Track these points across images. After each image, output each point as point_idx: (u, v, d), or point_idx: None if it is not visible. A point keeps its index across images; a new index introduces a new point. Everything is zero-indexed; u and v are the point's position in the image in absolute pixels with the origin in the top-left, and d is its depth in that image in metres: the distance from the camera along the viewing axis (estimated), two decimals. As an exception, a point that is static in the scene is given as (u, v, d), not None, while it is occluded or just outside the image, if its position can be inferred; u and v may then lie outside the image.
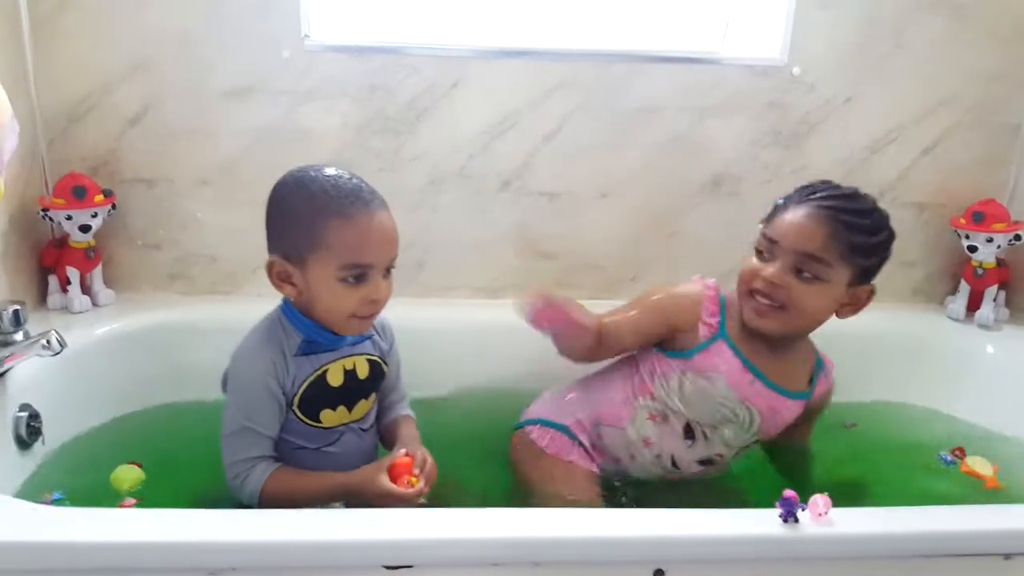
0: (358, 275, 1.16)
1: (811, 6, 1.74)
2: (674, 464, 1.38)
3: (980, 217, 1.82)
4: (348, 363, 1.26)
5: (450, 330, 1.79)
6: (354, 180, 1.18)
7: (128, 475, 1.36)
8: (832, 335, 1.80)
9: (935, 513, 1.11)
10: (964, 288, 1.89)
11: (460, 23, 1.77)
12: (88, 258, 1.69)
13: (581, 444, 1.42)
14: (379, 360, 1.31)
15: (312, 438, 1.25)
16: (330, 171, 1.18)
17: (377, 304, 1.20)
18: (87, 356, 1.54)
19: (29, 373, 1.38)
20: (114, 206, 1.71)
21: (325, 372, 1.23)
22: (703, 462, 1.37)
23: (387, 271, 1.20)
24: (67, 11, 1.64)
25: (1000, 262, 1.87)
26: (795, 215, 1.27)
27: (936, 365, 1.82)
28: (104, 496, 1.33)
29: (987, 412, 1.72)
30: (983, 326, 1.84)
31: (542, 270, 1.86)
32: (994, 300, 1.86)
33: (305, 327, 1.22)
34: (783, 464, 1.47)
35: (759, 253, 1.31)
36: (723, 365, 1.32)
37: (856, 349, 1.81)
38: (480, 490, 1.41)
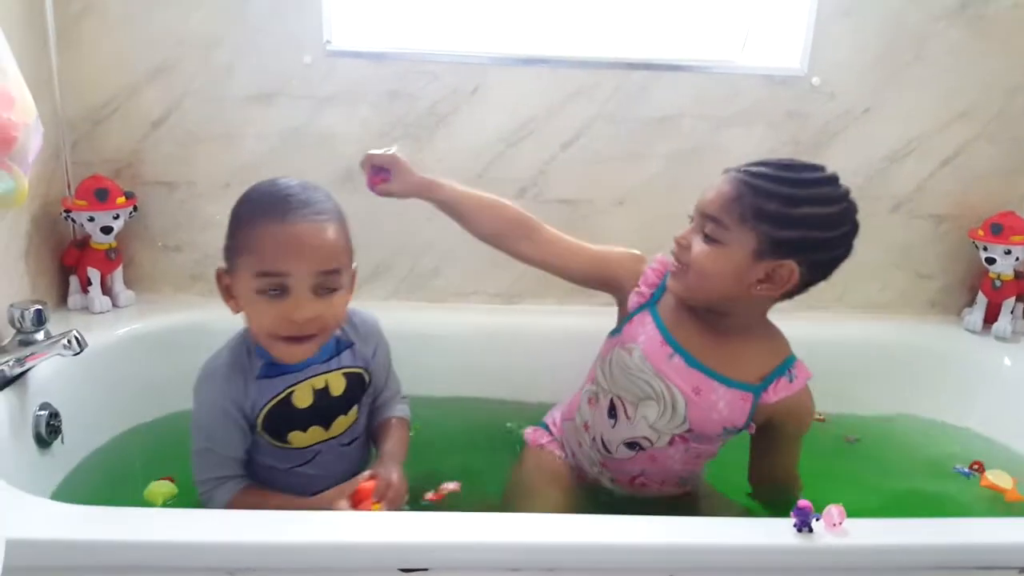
0: (276, 287, 1.08)
1: (832, 16, 1.75)
2: (605, 447, 1.35)
3: (999, 229, 1.81)
4: (318, 382, 1.20)
5: (464, 335, 1.80)
6: (294, 188, 1.11)
7: (161, 489, 1.38)
8: (848, 345, 1.84)
9: (949, 525, 1.11)
10: (981, 300, 1.88)
11: (480, 30, 1.79)
12: (109, 259, 1.71)
13: (552, 437, 1.48)
14: (360, 371, 1.26)
15: (283, 459, 1.22)
16: (281, 180, 1.13)
17: (296, 325, 1.09)
18: (107, 356, 1.56)
19: (49, 372, 1.40)
20: (136, 208, 1.72)
21: (290, 394, 1.18)
22: (630, 445, 1.32)
23: (324, 290, 1.10)
24: (92, 15, 1.66)
25: (1018, 274, 1.86)
26: (716, 181, 1.24)
27: (953, 377, 1.81)
28: (127, 493, 1.35)
29: (1004, 425, 1.71)
30: (1000, 338, 1.83)
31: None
32: (1011, 312, 1.85)
33: (263, 350, 1.17)
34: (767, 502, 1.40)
35: (690, 221, 1.28)
36: (642, 335, 1.30)
37: (872, 360, 1.83)
38: (484, 494, 1.41)
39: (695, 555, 1.02)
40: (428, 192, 1.36)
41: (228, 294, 1.15)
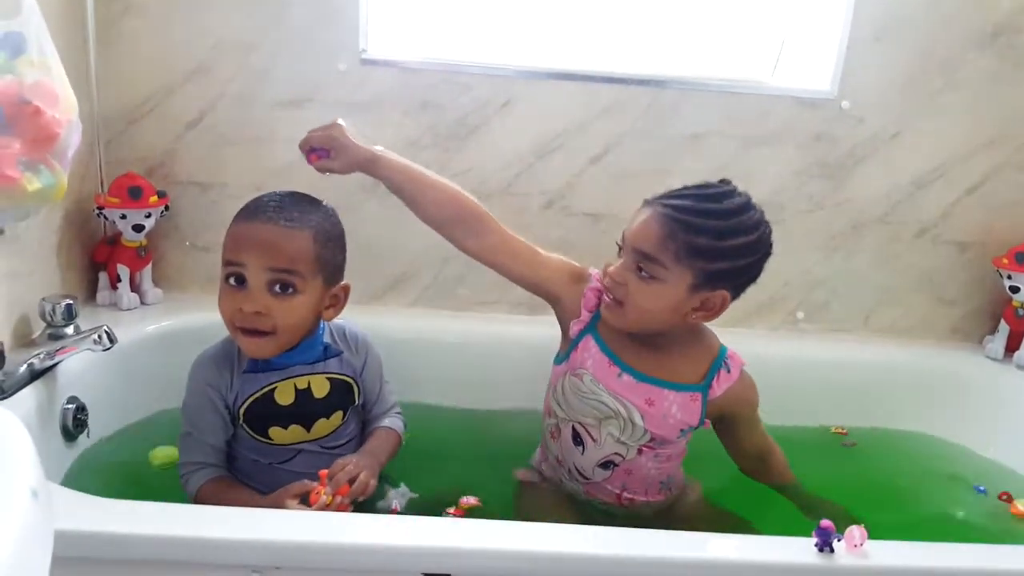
0: (235, 276, 1.18)
1: (863, 41, 1.75)
2: (581, 474, 1.36)
3: (1023, 258, 1.81)
4: (301, 382, 1.26)
5: (488, 344, 1.81)
6: (280, 197, 1.22)
7: (162, 452, 1.45)
8: (870, 368, 1.85)
9: (972, 550, 1.10)
10: (1004, 328, 1.88)
11: (513, 44, 1.80)
12: (139, 257, 1.72)
13: (545, 479, 1.46)
14: (346, 378, 1.31)
15: (265, 454, 1.27)
16: (280, 191, 1.25)
17: (245, 315, 1.18)
18: (134, 352, 1.57)
19: (78, 367, 1.41)
20: (167, 207, 1.74)
21: (272, 390, 1.24)
22: (604, 465, 1.34)
23: (278, 287, 1.18)
24: (132, 15, 1.68)
25: (1042, 304, 1.85)
26: (642, 214, 1.26)
27: (973, 404, 1.81)
28: (149, 489, 1.35)
29: (1022, 454, 1.70)
30: (1022, 367, 1.83)
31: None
32: (1034, 341, 1.85)
33: None
34: (768, 482, 1.46)
35: (618, 250, 1.29)
36: (589, 360, 1.32)
37: (891, 383, 1.84)
38: (508, 507, 1.41)
39: (715, 571, 1.03)
40: (371, 167, 1.32)
41: None
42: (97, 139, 1.72)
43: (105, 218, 1.70)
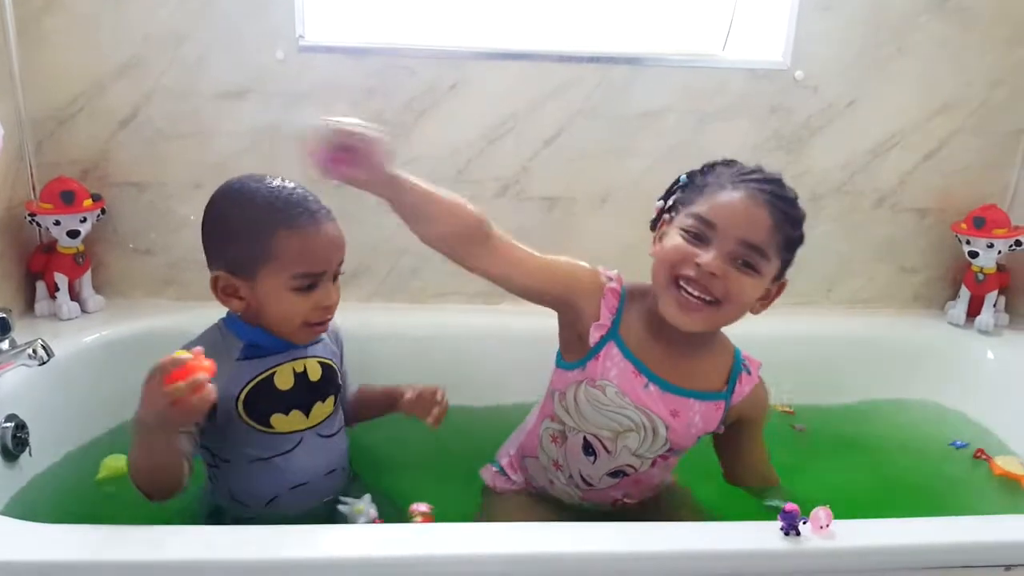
0: (309, 284, 1.18)
1: (813, 9, 1.73)
2: (585, 481, 1.30)
3: (981, 223, 1.81)
4: (298, 365, 1.24)
5: (445, 336, 1.77)
6: (298, 190, 1.20)
7: (112, 463, 1.41)
8: (833, 340, 1.84)
9: (935, 524, 1.09)
10: (964, 294, 1.88)
11: (459, 24, 1.75)
12: (77, 264, 1.66)
13: (514, 480, 1.39)
14: (331, 363, 1.30)
15: (266, 446, 1.22)
16: (274, 182, 1.19)
17: (328, 311, 1.22)
18: (76, 364, 1.51)
19: (16, 383, 1.36)
20: (103, 210, 1.68)
21: (272, 375, 1.22)
22: (613, 474, 1.28)
23: (335, 277, 1.23)
24: (54, 11, 1.61)
25: (1000, 267, 1.86)
26: (736, 198, 1.13)
27: (937, 371, 1.81)
28: (99, 510, 1.31)
29: (988, 418, 1.71)
30: (983, 332, 1.84)
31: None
32: (994, 306, 1.86)
33: (247, 332, 1.21)
34: (753, 485, 1.38)
35: (689, 235, 1.15)
36: (613, 370, 1.22)
37: (856, 354, 1.84)
38: (459, 506, 1.38)
39: (681, 561, 1.01)
40: (392, 190, 1.12)
41: (231, 296, 1.19)
42: (25, 142, 1.64)
43: (38, 225, 1.64)
